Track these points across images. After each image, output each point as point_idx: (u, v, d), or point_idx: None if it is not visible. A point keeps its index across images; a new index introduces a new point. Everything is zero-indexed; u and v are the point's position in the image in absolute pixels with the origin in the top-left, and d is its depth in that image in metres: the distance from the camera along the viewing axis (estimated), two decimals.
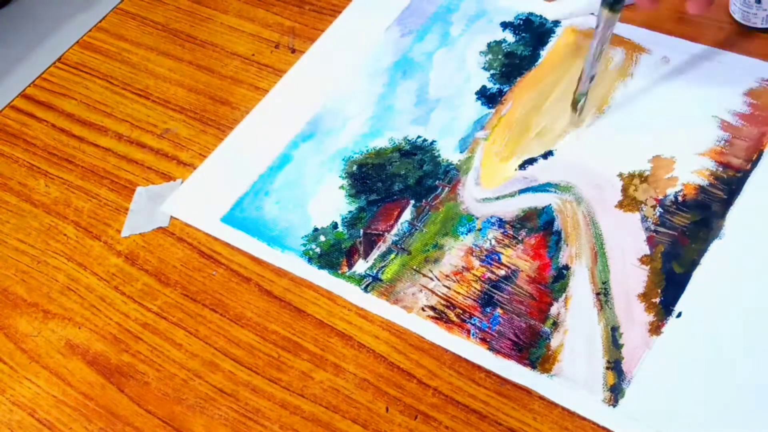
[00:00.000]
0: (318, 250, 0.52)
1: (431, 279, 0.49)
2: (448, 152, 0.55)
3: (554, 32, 0.59)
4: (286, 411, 0.46)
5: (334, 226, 0.53)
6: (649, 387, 0.44)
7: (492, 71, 0.58)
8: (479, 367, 0.46)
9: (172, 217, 0.55)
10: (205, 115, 0.61)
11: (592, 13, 0.51)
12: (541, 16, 0.60)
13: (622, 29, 0.58)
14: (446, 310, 0.48)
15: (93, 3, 0.70)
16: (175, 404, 0.48)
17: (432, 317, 0.48)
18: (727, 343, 0.44)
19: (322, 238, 0.52)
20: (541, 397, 0.44)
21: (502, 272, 0.49)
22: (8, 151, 0.61)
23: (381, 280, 0.50)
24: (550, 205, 0.51)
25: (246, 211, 0.55)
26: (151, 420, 0.47)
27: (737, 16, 0.56)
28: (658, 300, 0.46)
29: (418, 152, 0.55)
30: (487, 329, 0.47)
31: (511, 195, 0.52)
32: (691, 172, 0.51)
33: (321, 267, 0.51)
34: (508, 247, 0.50)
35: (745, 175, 0.50)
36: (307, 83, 0.61)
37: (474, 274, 0.49)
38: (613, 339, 0.45)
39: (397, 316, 0.48)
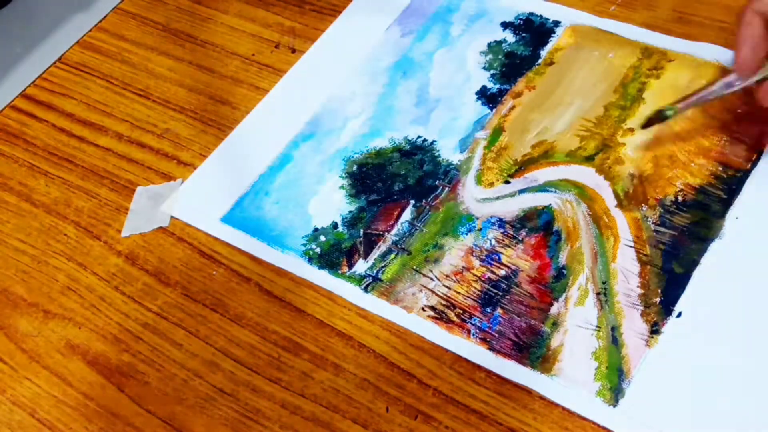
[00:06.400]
0: (318, 250, 0.52)
1: (431, 279, 0.49)
2: (448, 152, 0.55)
3: (554, 32, 0.59)
4: (286, 411, 0.46)
5: (334, 226, 0.53)
6: (649, 387, 0.44)
7: (492, 71, 0.58)
8: (479, 367, 0.46)
9: (172, 217, 0.55)
10: (205, 115, 0.61)
11: None
12: (541, 16, 0.60)
13: (622, 29, 0.58)
14: (446, 310, 0.48)
15: (93, 3, 0.70)
16: (175, 404, 0.48)
17: (432, 317, 0.48)
18: (727, 343, 0.44)
19: (322, 238, 0.52)
20: (541, 397, 0.44)
21: (502, 272, 0.49)
22: (8, 151, 0.61)
23: (381, 280, 0.50)
24: (550, 205, 0.51)
25: (246, 211, 0.55)
26: (151, 420, 0.47)
27: None
28: (658, 300, 0.46)
29: (418, 152, 0.55)
30: (487, 329, 0.47)
31: (511, 195, 0.52)
32: (691, 172, 0.51)
33: (321, 267, 0.51)
34: (508, 247, 0.50)
35: (745, 174, 0.50)
36: (307, 83, 0.61)
37: (474, 274, 0.49)
38: (613, 339, 0.45)
39: (398, 316, 0.48)
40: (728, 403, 0.43)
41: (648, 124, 0.51)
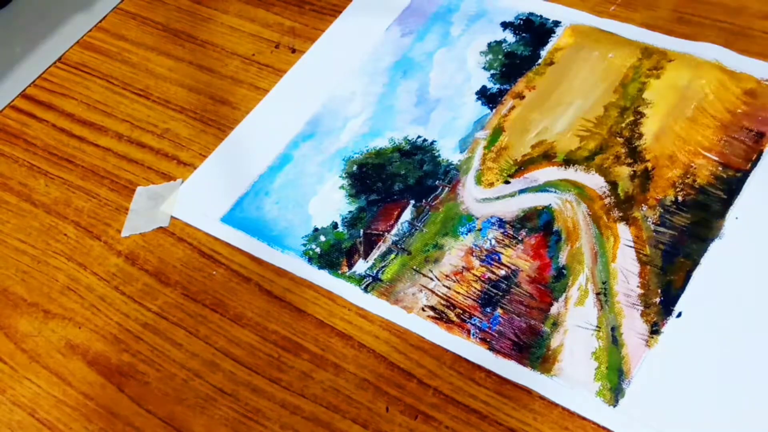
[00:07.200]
0: (318, 250, 0.52)
1: (431, 279, 0.49)
2: (448, 152, 0.55)
3: (554, 32, 0.59)
4: (286, 411, 0.46)
5: (334, 226, 0.53)
6: (649, 387, 0.44)
7: (492, 71, 0.58)
8: (479, 367, 0.46)
9: (172, 217, 0.55)
10: (205, 115, 0.61)
11: None
12: (541, 16, 0.60)
13: (622, 29, 0.58)
14: (446, 310, 0.48)
15: (93, 3, 0.70)
16: (175, 404, 0.48)
17: (432, 317, 0.48)
18: (727, 343, 0.44)
19: (322, 238, 0.52)
20: (542, 397, 0.44)
21: (502, 272, 0.49)
22: (8, 151, 0.61)
23: (381, 280, 0.50)
24: (550, 205, 0.51)
25: (246, 211, 0.55)
26: (151, 420, 0.47)
27: None
28: (658, 300, 0.46)
29: (418, 152, 0.55)
30: (487, 329, 0.47)
31: (511, 195, 0.52)
32: (691, 171, 0.51)
33: (321, 267, 0.51)
34: (508, 247, 0.50)
35: (745, 175, 0.50)
36: (307, 83, 0.61)
37: (474, 274, 0.49)
38: (613, 339, 0.45)
39: (397, 316, 0.48)
40: (728, 403, 0.42)
41: None
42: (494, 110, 0.56)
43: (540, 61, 0.58)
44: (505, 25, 0.61)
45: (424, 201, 0.53)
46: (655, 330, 0.45)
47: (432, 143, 0.56)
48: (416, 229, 0.52)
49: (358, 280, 0.50)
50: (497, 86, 0.58)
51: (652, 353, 0.45)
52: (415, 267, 0.50)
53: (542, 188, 0.52)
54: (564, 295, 0.48)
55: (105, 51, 0.67)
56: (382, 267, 0.51)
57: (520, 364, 0.46)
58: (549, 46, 0.59)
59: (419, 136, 0.56)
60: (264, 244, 0.53)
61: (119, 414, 0.48)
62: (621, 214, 0.50)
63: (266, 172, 0.56)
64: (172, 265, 0.53)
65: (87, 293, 0.53)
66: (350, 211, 0.53)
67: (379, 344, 0.48)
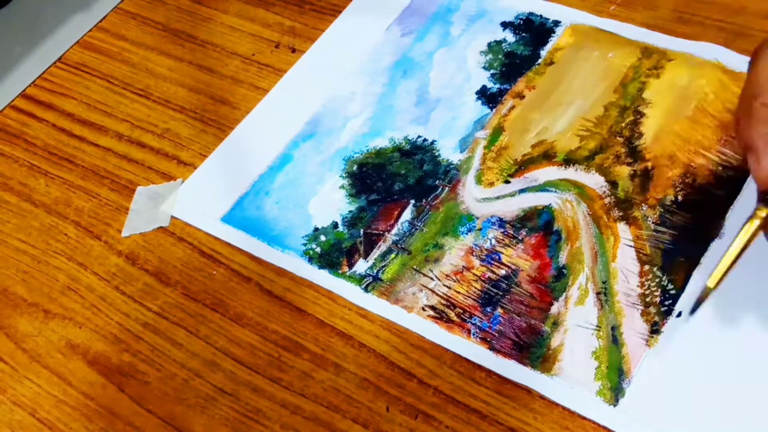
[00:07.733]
0: (318, 249, 0.52)
1: (431, 279, 0.50)
2: (448, 152, 0.55)
3: (554, 32, 0.59)
4: (286, 411, 0.46)
5: (335, 225, 0.53)
6: (649, 387, 0.44)
7: (492, 71, 0.58)
8: (480, 367, 0.46)
9: (172, 216, 0.55)
10: (205, 114, 0.61)
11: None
12: (541, 16, 0.60)
13: (622, 29, 0.58)
14: (446, 310, 0.48)
15: (93, 3, 0.70)
16: (175, 404, 0.48)
17: (432, 317, 0.48)
18: (727, 343, 0.44)
19: (323, 238, 0.53)
20: (542, 397, 0.44)
21: (502, 272, 0.49)
22: (8, 151, 0.61)
23: (381, 280, 0.50)
24: (550, 205, 0.51)
25: (246, 211, 0.55)
26: (151, 420, 0.47)
27: None
28: (658, 300, 0.46)
29: (418, 152, 0.55)
30: (487, 329, 0.47)
31: (511, 195, 0.52)
32: (691, 171, 0.51)
33: (321, 267, 0.51)
34: (509, 246, 0.50)
35: (745, 174, 0.50)
36: (307, 83, 0.61)
37: (474, 274, 0.49)
38: (613, 339, 0.45)
39: (398, 315, 0.48)
40: (728, 403, 0.43)
41: (696, 307, 0.43)
42: (494, 110, 0.56)
43: (540, 60, 0.58)
44: (505, 25, 0.61)
45: (424, 201, 0.53)
46: (655, 330, 0.45)
47: (432, 143, 0.56)
48: (416, 229, 0.52)
49: (359, 279, 0.50)
50: (497, 86, 0.58)
51: (652, 353, 0.45)
52: (415, 267, 0.50)
53: (542, 188, 0.52)
54: (564, 294, 0.48)
55: (105, 51, 0.67)
56: (383, 267, 0.51)
57: (521, 364, 0.46)
58: (549, 46, 0.59)
59: (419, 136, 0.56)
60: (264, 243, 0.53)
61: (120, 414, 0.48)
62: (621, 214, 0.50)
63: (266, 171, 0.56)
64: (173, 264, 0.53)
65: (87, 293, 0.53)
66: (350, 211, 0.54)
67: (379, 344, 0.48)
